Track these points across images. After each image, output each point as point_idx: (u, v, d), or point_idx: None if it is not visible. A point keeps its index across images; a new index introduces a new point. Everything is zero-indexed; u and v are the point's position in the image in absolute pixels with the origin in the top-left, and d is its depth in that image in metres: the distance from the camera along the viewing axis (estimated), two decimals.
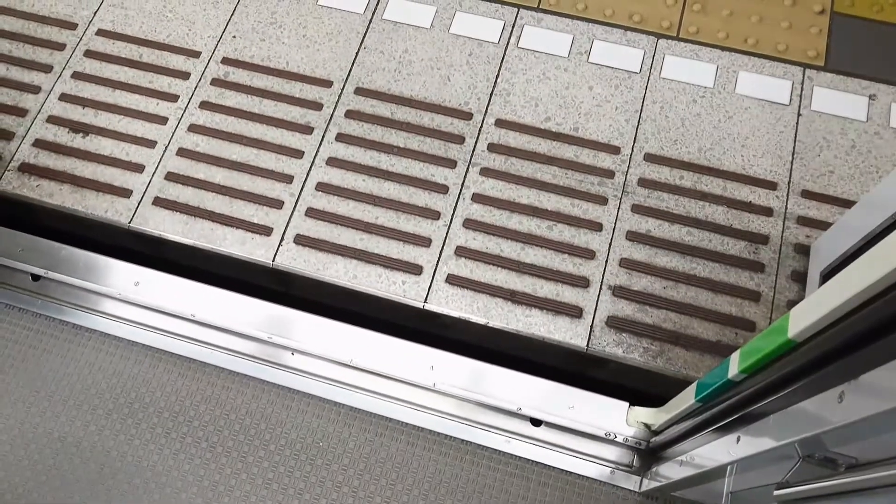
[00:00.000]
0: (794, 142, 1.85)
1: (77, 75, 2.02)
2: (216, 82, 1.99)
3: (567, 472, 1.64)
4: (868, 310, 0.75)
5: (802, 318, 0.88)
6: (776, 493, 0.90)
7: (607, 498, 1.61)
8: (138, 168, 1.90)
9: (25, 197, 1.87)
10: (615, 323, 1.69)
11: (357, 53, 2.02)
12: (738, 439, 1.11)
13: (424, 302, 1.73)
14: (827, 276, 1.61)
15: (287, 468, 1.65)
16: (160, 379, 1.75)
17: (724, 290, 1.71)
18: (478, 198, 1.83)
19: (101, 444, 1.68)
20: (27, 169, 1.90)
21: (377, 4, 2.08)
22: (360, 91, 1.97)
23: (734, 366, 1.09)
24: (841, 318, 0.80)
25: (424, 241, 1.79)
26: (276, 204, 1.84)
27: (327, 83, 1.98)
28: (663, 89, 1.93)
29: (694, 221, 1.78)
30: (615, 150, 1.86)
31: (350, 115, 1.94)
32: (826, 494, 0.83)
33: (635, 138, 1.88)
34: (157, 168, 1.90)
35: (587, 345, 1.68)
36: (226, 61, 2.02)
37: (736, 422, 1.14)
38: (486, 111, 1.92)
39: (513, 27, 2.03)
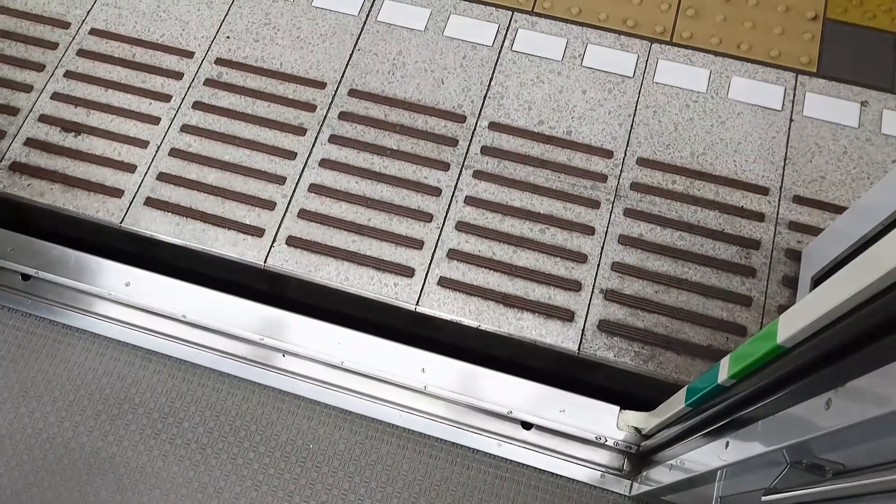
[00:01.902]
0: (787, 147, 1.86)
1: (69, 74, 2.01)
2: (209, 83, 1.99)
3: (557, 475, 1.64)
4: (855, 317, 0.76)
5: (791, 324, 0.88)
6: (764, 498, 0.90)
7: (597, 502, 1.61)
8: (130, 168, 1.89)
9: (16, 196, 1.86)
10: (607, 327, 1.69)
11: (351, 55, 2.01)
12: (727, 444, 1.11)
13: (416, 304, 1.73)
14: (818, 281, 1.61)
15: (277, 470, 1.64)
16: (150, 380, 1.74)
17: (715, 294, 1.71)
18: (470, 200, 1.83)
19: (90, 444, 1.67)
20: (18, 168, 1.89)
21: (371, 6, 2.08)
22: (353, 93, 1.96)
23: (724, 371, 1.10)
24: (829, 324, 0.80)
25: (417, 244, 1.78)
26: (269, 205, 1.84)
27: (321, 84, 1.98)
28: (656, 94, 1.94)
29: (686, 226, 1.78)
30: (608, 154, 1.87)
31: (343, 116, 1.93)
32: (813, 501, 0.83)
33: (628, 142, 1.88)
34: (149, 168, 1.89)
35: (578, 348, 1.68)
36: (219, 62, 2.02)
37: (725, 427, 1.14)
38: (479, 114, 1.92)
39: (507, 30, 2.03)
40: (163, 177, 1.88)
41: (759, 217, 1.79)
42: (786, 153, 1.85)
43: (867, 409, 0.72)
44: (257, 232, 1.81)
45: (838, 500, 0.81)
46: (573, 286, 1.73)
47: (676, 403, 1.33)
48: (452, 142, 1.89)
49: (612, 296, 1.72)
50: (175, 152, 1.91)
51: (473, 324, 1.71)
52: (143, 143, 1.92)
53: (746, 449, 1.03)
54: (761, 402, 1.00)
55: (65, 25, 2.08)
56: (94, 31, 2.07)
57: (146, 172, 1.88)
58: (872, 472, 0.77)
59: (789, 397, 0.92)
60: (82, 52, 2.04)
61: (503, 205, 1.82)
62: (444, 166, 1.86)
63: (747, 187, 1.82)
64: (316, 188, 1.85)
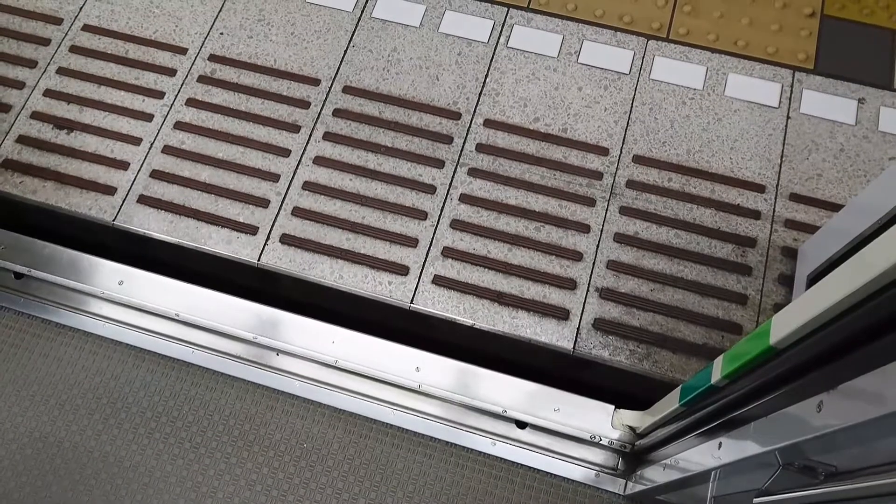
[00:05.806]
0: (783, 145, 1.85)
1: (62, 71, 2.00)
2: (203, 79, 1.98)
3: (552, 474, 1.63)
4: (847, 319, 0.75)
5: (784, 326, 0.87)
6: (755, 501, 0.90)
7: (592, 501, 1.60)
8: (123, 165, 1.88)
9: (8, 193, 1.85)
10: (602, 325, 1.68)
11: (345, 51, 2.00)
12: (721, 445, 1.10)
13: (411, 303, 1.72)
14: (814, 279, 1.60)
15: (271, 469, 1.64)
16: (143, 378, 1.73)
17: (711, 292, 1.70)
18: (465, 198, 1.82)
19: (83, 443, 1.67)
20: (10, 165, 1.88)
21: (366, 2, 2.06)
22: (347, 90, 1.95)
23: (717, 371, 1.09)
24: (821, 326, 0.80)
25: (411, 242, 1.77)
26: (263, 203, 1.83)
27: (315, 81, 1.96)
28: (652, 91, 1.92)
29: (682, 224, 1.77)
30: (604, 152, 1.86)
31: (338, 113, 1.92)
32: (805, 503, 0.83)
33: (624, 140, 1.87)
34: (142, 165, 1.88)
35: (573, 347, 1.67)
36: (213, 58, 2.00)
37: (718, 427, 1.14)
38: (474, 111, 1.91)
39: (502, 27, 2.02)
40: (156, 174, 1.87)
41: (755, 215, 1.78)
42: (782, 150, 1.84)
43: (859, 411, 0.72)
44: (251, 230, 1.80)
45: (830, 503, 0.80)
46: (568, 284, 1.72)
47: (671, 403, 1.33)
48: (447, 139, 1.88)
49: (607, 294, 1.71)
50: (168, 149, 1.89)
51: (468, 322, 1.70)
52: (136, 140, 1.91)
53: (739, 450, 1.03)
54: (754, 402, 0.99)
55: (57, 22, 2.06)
56: (86, 28, 2.05)
57: (139, 170, 1.87)
58: (864, 474, 0.76)
59: (782, 398, 0.91)
60: (75, 49, 2.03)
61: (498, 202, 1.81)
62: (439, 164, 1.85)
63: (743, 185, 1.81)
64: (310, 186, 1.84)
